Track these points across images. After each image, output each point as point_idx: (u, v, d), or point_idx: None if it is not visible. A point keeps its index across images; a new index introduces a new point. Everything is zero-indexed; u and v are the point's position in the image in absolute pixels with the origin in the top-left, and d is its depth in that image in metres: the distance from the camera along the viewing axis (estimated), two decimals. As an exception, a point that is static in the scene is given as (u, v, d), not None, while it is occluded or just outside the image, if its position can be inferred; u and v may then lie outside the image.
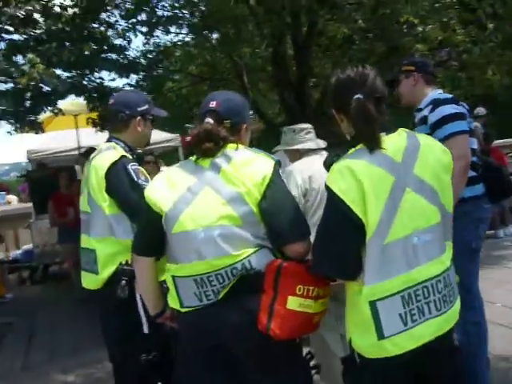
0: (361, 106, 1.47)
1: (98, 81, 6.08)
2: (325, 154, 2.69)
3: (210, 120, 1.67)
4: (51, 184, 6.42)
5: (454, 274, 1.58)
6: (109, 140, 2.27)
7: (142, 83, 6.39)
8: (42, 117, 6.43)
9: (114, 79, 6.65)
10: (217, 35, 6.88)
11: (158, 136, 9.26)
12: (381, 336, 1.43)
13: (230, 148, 1.66)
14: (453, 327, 1.56)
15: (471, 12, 4.48)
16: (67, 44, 4.49)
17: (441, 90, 2.67)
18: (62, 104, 6.21)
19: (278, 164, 1.66)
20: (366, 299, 1.44)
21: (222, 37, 6.28)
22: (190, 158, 1.72)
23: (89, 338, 4.34)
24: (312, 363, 1.77)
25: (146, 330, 2.08)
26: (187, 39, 7.17)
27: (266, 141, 6.53)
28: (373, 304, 1.43)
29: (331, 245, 1.47)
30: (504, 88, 7.45)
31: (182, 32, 6.84)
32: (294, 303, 1.54)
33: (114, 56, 5.68)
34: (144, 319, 2.08)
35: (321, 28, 5.06)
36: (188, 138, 4.75)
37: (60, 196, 6.12)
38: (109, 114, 2.38)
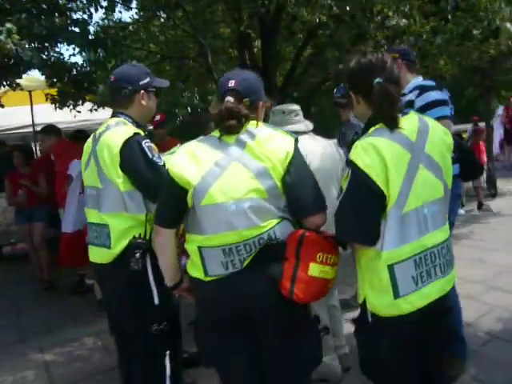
0: (383, 89, 1.61)
1: (56, 55, 5.90)
2: (313, 135, 2.81)
3: (230, 98, 1.74)
4: (8, 162, 6.16)
5: (451, 246, 1.78)
6: (114, 115, 2.27)
7: (104, 60, 6.22)
8: (-3, 92, 6.13)
9: (74, 55, 6.43)
10: (181, 13, 6.83)
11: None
12: (397, 295, 1.61)
13: (251, 125, 1.76)
14: (451, 289, 1.76)
15: (434, 4, 4.74)
16: (37, 16, 4.29)
17: (421, 77, 2.82)
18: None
19: (297, 141, 1.77)
20: (385, 263, 1.60)
21: (187, 15, 6.21)
22: (213, 134, 1.80)
23: (60, 318, 4.34)
24: (320, 326, 1.91)
25: (156, 301, 2.14)
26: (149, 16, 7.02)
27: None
28: (391, 267, 1.60)
29: (357, 215, 1.61)
30: (454, 78, 7.87)
31: (144, 9, 6.71)
32: (315, 270, 1.67)
33: (77, 30, 5.50)
34: (155, 291, 2.14)
35: (295, 13, 5.14)
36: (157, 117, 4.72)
37: (17, 175, 5.91)
38: (111, 91, 2.37)
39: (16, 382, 3.28)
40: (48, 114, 7.29)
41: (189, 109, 13.10)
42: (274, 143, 1.72)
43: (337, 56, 6.42)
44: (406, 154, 1.62)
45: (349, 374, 2.84)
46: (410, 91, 2.64)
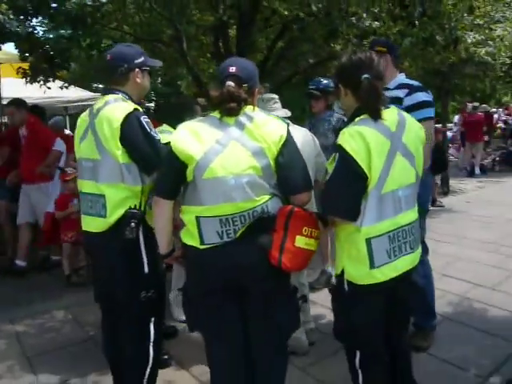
0: (371, 84, 1.84)
1: (30, 30, 5.80)
2: (290, 122, 2.99)
3: (231, 83, 1.90)
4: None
5: (418, 226, 2.03)
6: (111, 92, 2.36)
7: (79, 38, 6.17)
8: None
9: (48, 30, 6.33)
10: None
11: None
12: (372, 266, 1.86)
13: (248, 109, 1.93)
14: (416, 265, 2.02)
15: (403, 8, 5.03)
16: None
17: (403, 74, 2.99)
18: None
19: (289, 126, 1.96)
20: (363, 237, 1.84)
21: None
22: (213, 114, 1.95)
23: (28, 292, 4.35)
24: (299, 294, 2.12)
25: (146, 269, 2.28)
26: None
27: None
28: (368, 241, 1.84)
29: (342, 194, 1.84)
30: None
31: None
32: (300, 241, 1.87)
33: (54, 6, 5.44)
34: (145, 260, 2.27)
35: (275, 6, 5.29)
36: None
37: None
38: (106, 69, 2.46)
39: (-13, 352, 3.31)
40: (16, 88, 7.14)
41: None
42: (269, 127, 1.90)
43: (308, 50, 6.67)
44: (386, 142, 1.85)
45: (314, 347, 3.08)
46: (396, 87, 2.80)
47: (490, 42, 6.80)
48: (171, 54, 7.22)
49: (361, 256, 1.86)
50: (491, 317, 3.52)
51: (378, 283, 1.88)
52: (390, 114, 1.92)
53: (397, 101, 2.73)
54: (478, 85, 9.49)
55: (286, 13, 5.09)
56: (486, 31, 6.70)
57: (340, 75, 2.02)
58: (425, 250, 3.01)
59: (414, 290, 2.13)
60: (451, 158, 11.73)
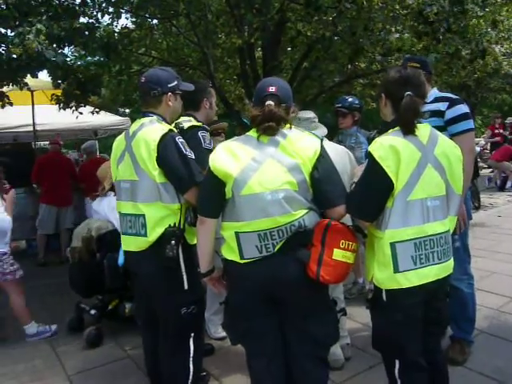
0: (412, 101, 1.92)
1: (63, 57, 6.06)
2: (326, 140, 3.05)
3: (271, 102, 1.98)
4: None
5: (450, 238, 2.05)
6: (145, 115, 2.47)
7: (109, 63, 6.41)
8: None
9: (79, 57, 6.62)
10: (183, 21, 7.06)
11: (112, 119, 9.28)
12: (396, 270, 1.91)
13: (284, 127, 2.00)
14: (447, 276, 2.04)
15: (429, 24, 5.08)
16: (54, 18, 4.48)
17: (436, 88, 3.04)
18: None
19: (323, 141, 2.03)
20: (388, 241, 1.91)
21: (191, 24, 6.44)
22: (249, 134, 2.03)
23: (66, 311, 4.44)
24: (338, 307, 2.15)
25: (186, 286, 2.34)
26: (154, 22, 7.24)
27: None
28: (393, 245, 1.90)
29: (364, 195, 1.95)
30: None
31: (147, 16, 6.94)
32: (338, 255, 1.92)
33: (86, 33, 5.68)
34: (185, 276, 2.34)
35: (299, 27, 5.43)
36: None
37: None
38: (141, 92, 2.58)
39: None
40: (49, 114, 7.44)
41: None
42: (303, 143, 1.97)
43: (333, 69, 6.76)
44: (417, 153, 1.92)
45: (349, 362, 3.07)
46: (433, 101, 2.83)
47: (516, 55, 6.76)
48: (198, 76, 7.40)
49: (386, 259, 1.92)
50: (528, 331, 3.45)
51: (407, 290, 1.91)
52: (423, 129, 1.99)
53: (438, 114, 2.78)
54: (505, 96, 9.38)
55: (309, 33, 5.19)
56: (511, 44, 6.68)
57: (385, 86, 2.11)
58: (468, 262, 3.05)
59: (445, 304, 2.13)
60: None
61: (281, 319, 2.05)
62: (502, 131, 11.86)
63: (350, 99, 4.10)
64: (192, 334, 2.42)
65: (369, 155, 1.95)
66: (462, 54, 5.83)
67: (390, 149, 1.89)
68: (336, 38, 5.31)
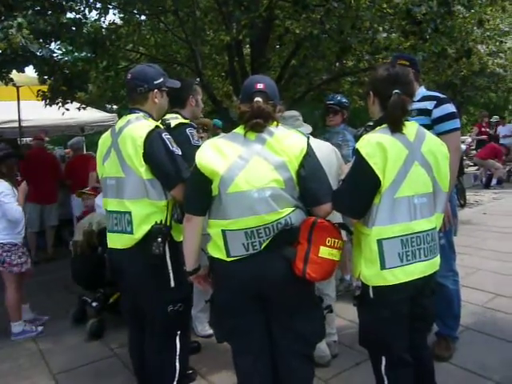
0: (400, 99, 1.93)
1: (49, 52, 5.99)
2: (311, 136, 3.06)
3: (259, 99, 1.98)
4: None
5: (437, 235, 2.07)
6: (132, 111, 2.45)
7: (96, 59, 6.35)
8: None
9: (66, 52, 6.56)
10: (172, 18, 7.03)
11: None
12: (383, 267, 1.92)
13: (271, 124, 2.00)
14: (434, 273, 2.06)
15: (416, 24, 5.12)
16: (41, 13, 4.42)
17: (423, 87, 3.05)
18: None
19: (309, 139, 2.03)
20: (375, 238, 1.92)
21: (179, 21, 6.41)
22: (236, 131, 2.03)
23: (51, 309, 4.41)
24: (324, 304, 2.16)
25: (172, 284, 2.34)
26: (142, 18, 7.19)
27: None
28: (380, 242, 1.92)
29: (351, 192, 1.96)
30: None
31: (135, 12, 6.88)
32: (324, 252, 1.92)
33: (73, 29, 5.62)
34: (171, 274, 2.33)
35: (288, 25, 5.43)
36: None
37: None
38: (128, 88, 2.56)
39: None
40: (35, 110, 7.35)
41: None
42: (290, 140, 1.97)
43: (321, 67, 6.78)
44: (404, 150, 1.93)
45: (336, 359, 3.09)
46: (420, 100, 2.86)
47: (501, 55, 6.84)
48: (186, 73, 7.38)
49: (373, 256, 1.94)
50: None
51: (394, 286, 1.92)
52: (411, 127, 2.01)
53: (425, 112, 2.80)
54: (491, 95, 9.48)
55: (298, 31, 5.19)
56: (497, 43, 6.75)
57: (374, 84, 2.12)
58: (453, 259, 3.09)
59: (431, 301, 2.15)
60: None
61: (267, 317, 2.05)
62: (488, 129, 12.00)
63: (339, 97, 4.16)
64: (178, 332, 2.41)
65: (356, 152, 1.96)
66: (448, 53, 5.89)
67: (377, 146, 1.90)
68: (324, 36, 5.31)
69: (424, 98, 2.87)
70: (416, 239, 1.96)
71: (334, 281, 3.06)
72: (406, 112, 1.99)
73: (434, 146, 2.05)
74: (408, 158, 1.94)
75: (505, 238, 6.07)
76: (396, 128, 1.94)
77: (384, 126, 1.98)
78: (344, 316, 3.58)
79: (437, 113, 2.80)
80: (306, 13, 4.77)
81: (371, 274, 1.96)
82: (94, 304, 3.87)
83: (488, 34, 6.95)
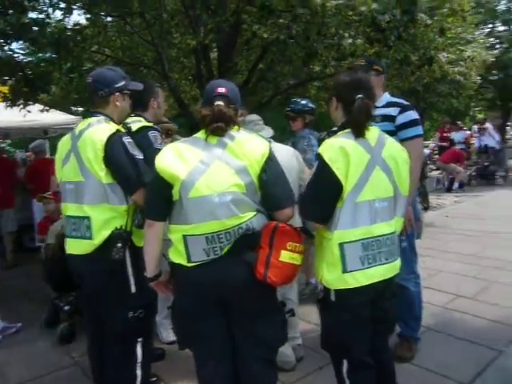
0: (364, 104, 1.96)
1: (9, 53, 5.83)
2: (272, 140, 3.05)
3: (221, 103, 1.97)
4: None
5: (397, 239, 2.10)
6: (93, 115, 2.41)
7: (60, 61, 6.21)
8: None
9: (28, 53, 6.39)
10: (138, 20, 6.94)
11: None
12: (344, 270, 1.95)
13: (232, 129, 1.99)
14: (394, 276, 2.09)
15: (381, 31, 5.23)
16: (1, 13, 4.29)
17: (387, 93, 3.08)
18: None
19: (270, 143, 2.04)
20: (337, 241, 1.95)
21: (146, 23, 6.34)
22: (197, 135, 2.01)
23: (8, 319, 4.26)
24: (287, 308, 2.17)
25: (133, 289, 2.30)
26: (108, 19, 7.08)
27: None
28: (341, 246, 1.94)
29: (315, 197, 1.98)
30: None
31: (101, 13, 6.78)
32: (285, 256, 1.93)
33: (35, 29, 5.49)
34: (132, 279, 2.29)
35: (255, 30, 5.44)
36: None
37: None
38: (89, 92, 2.52)
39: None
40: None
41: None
42: (251, 145, 1.97)
43: (288, 72, 6.83)
44: (366, 155, 1.96)
45: (300, 363, 3.10)
46: (385, 105, 2.92)
47: (462, 63, 7.06)
48: (153, 76, 7.29)
49: (335, 260, 1.96)
50: (472, 326, 3.61)
51: (355, 290, 1.95)
52: (372, 132, 2.04)
53: (390, 118, 2.86)
54: (453, 101, 9.76)
55: (265, 35, 5.22)
56: (457, 52, 6.96)
57: (337, 89, 2.14)
58: (415, 262, 3.15)
59: (391, 303, 2.18)
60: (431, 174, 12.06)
61: (229, 322, 2.04)
62: (449, 135, 12.36)
63: (303, 102, 4.17)
64: (140, 339, 2.37)
65: (318, 157, 1.98)
66: (411, 61, 6.03)
67: (339, 151, 1.92)
68: (291, 41, 5.35)
69: (388, 105, 2.92)
70: (376, 243, 2.00)
71: (297, 285, 3.07)
72: (370, 116, 2.02)
73: (395, 151, 2.09)
74: (370, 162, 1.97)
75: (466, 240, 6.25)
76: (360, 132, 1.97)
77: (347, 130, 2.01)
78: (309, 319, 3.60)
79: (401, 119, 2.86)
80: (273, 18, 4.80)
81: (333, 277, 1.98)
82: (66, 308, 3.81)
83: (449, 42, 7.16)
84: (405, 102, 2.96)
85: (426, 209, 8.44)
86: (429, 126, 15.21)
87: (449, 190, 11.10)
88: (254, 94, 6.95)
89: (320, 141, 2.13)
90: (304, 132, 4.11)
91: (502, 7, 13.69)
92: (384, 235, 2.02)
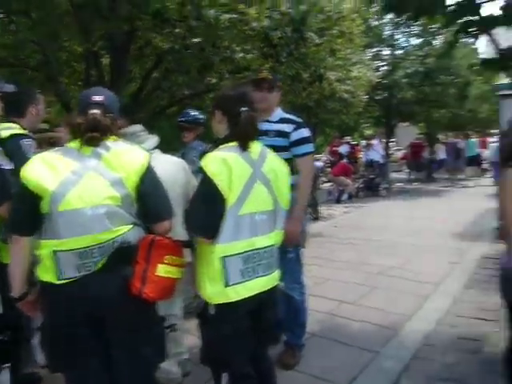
0: (250, 116, 2.00)
1: None
2: (156, 154, 2.96)
3: (96, 111, 1.89)
4: None
5: (276, 251, 2.16)
6: None
7: None
8: None
9: None
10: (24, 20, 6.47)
11: None
12: (226, 284, 1.96)
13: (109, 139, 1.92)
14: (274, 287, 2.15)
15: (273, 47, 5.41)
16: None
17: (280, 108, 3.16)
18: None
19: (149, 155, 1.99)
20: (218, 255, 1.95)
21: (33, 23, 5.93)
22: (70, 145, 1.90)
23: None
24: (168, 323, 2.12)
25: (0, 310, 2.10)
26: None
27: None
28: (223, 259, 1.95)
29: (201, 212, 1.96)
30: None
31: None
32: (161, 270, 1.89)
33: None
34: None
35: (148, 38, 5.33)
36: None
37: None
38: None
39: None
40: None
41: None
42: (128, 156, 1.91)
43: (184, 82, 6.79)
44: (248, 169, 1.99)
45: (188, 378, 3.05)
46: (279, 121, 3.01)
47: (349, 82, 7.54)
48: (40, 79, 6.83)
49: (216, 274, 1.96)
50: (354, 330, 3.82)
51: (234, 302, 1.97)
52: (255, 146, 2.08)
53: (284, 135, 2.97)
54: (343, 117, 10.36)
55: (160, 44, 5.15)
56: (345, 71, 7.42)
57: (221, 103, 2.14)
58: (300, 272, 3.25)
59: (274, 313, 2.23)
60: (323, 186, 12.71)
61: (106, 339, 1.94)
62: (339, 149, 13.17)
63: (194, 113, 4.18)
64: (7, 365, 2.18)
65: (201, 170, 1.96)
66: (302, 77, 6.33)
67: (222, 164, 1.93)
68: (187, 51, 5.34)
69: (282, 120, 3.03)
70: (256, 255, 2.03)
71: (181, 299, 3.02)
72: (256, 129, 2.06)
73: (276, 165, 2.14)
74: (252, 176, 2.00)
75: (352, 248, 6.65)
76: (245, 145, 2.00)
77: (231, 144, 2.02)
78: (196, 333, 3.56)
79: (294, 136, 2.98)
80: (167, 27, 4.75)
81: (215, 291, 1.97)
82: None
83: (339, 62, 7.61)
84: (298, 120, 3.08)
85: (315, 219, 8.87)
86: (322, 141, 16.00)
87: (338, 201, 11.78)
88: (148, 103, 6.81)
89: (202, 154, 2.12)
90: (194, 143, 4.11)
91: (387, 32, 14.85)
92: (263, 248, 2.06)
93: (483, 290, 4.62)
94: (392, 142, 18.04)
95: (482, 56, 11.53)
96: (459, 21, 3.81)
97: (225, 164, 1.93)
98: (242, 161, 1.99)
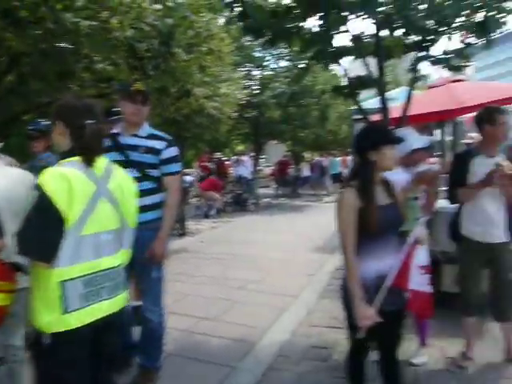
0: (97, 129, 1.89)
1: None
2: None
3: None
4: None
5: (123, 272, 2.08)
6: None
7: None
8: None
9: None
10: None
11: None
12: (65, 311, 1.80)
13: None
14: (121, 310, 2.05)
15: (139, 59, 5.28)
16: None
17: (148, 124, 3.09)
18: None
19: None
20: (57, 279, 1.79)
21: None
22: None
23: None
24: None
25: None
26: None
27: None
28: (62, 284, 1.80)
29: (37, 234, 1.77)
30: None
31: None
32: (-14, 297, 1.69)
33: None
34: None
35: (4, 37, 4.83)
36: None
37: None
38: None
39: None
40: None
41: None
42: None
43: (41, 88, 6.31)
44: (91, 186, 1.87)
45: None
46: (148, 137, 2.95)
47: (217, 98, 7.69)
48: None
49: (53, 300, 1.80)
50: (212, 346, 3.84)
51: (74, 329, 1.82)
52: (100, 162, 1.96)
53: (155, 152, 2.93)
54: (213, 133, 10.50)
55: (14, 44, 4.70)
56: (213, 88, 7.56)
57: (65, 113, 1.96)
58: (161, 294, 3.15)
59: (118, 336, 2.13)
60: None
61: None
62: (209, 164, 13.34)
63: (45, 123, 3.89)
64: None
65: (38, 188, 1.79)
66: (169, 92, 6.29)
67: (61, 180, 1.78)
68: (42, 56, 4.96)
69: (153, 137, 2.98)
70: (100, 278, 1.92)
71: (21, 329, 2.73)
72: (101, 144, 1.96)
73: (123, 182, 2.06)
74: (95, 193, 1.89)
75: (216, 263, 6.72)
76: (90, 161, 1.88)
77: (74, 158, 1.88)
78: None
79: (166, 154, 2.97)
80: (21, 28, 4.37)
81: (51, 319, 1.80)
82: None
83: (207, 79, 7.72)
84: (168, 137, 3.05)
85: (182, 235, 8.81)
86: (192, 155, 16.06)
87: (207, 215, 11.85)
88: (0, 108, 6.18)
89: (39, 170, 1.92)
90: (45, 154, 3.83)
91: (256, 53, 15.47)
92: (109, 269, 1.95)
93: (335, 299, 4.94)
94: (262, 158, 18.79)
95: (340, 82, 12.69)
96: (313, 48, 4.09)
97: (64, 180, 1.78)
98: (85, 177, 1.86)
